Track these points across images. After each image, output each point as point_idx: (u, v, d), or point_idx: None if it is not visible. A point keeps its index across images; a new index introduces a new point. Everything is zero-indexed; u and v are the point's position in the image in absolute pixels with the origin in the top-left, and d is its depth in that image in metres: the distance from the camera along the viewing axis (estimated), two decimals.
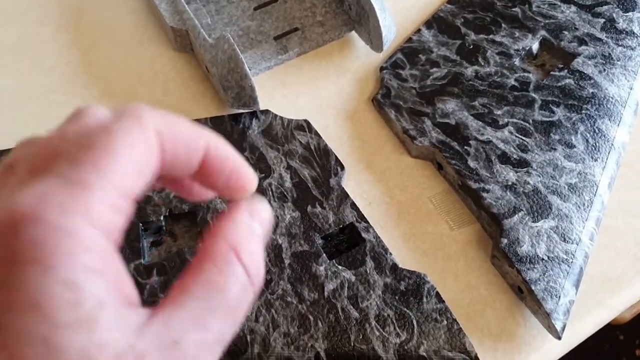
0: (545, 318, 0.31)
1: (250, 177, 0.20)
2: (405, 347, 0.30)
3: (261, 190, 0.35)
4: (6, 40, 0.41)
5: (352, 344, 0.30)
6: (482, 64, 0.39)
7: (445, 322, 0.31)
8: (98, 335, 0.15)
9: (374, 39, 0.39)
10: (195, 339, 0.16)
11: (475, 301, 0.33)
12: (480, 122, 0.37)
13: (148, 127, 0.18)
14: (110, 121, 0.18)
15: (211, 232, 0.19)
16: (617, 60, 0.39)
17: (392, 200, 0.36)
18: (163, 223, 0.34)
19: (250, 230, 0.19)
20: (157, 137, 0.18)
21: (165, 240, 0.34)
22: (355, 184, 0.36)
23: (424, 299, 0.32)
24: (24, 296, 0.14)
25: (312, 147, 0.36)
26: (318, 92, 0.40)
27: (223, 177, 0.20)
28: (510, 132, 0.36)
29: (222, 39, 0.36)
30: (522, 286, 0.32)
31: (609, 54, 0.39)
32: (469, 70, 0.39)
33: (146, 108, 0.18)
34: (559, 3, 0.42)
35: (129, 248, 0.32)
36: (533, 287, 0.32)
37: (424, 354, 0.30)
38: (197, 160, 0.19)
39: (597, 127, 0.36)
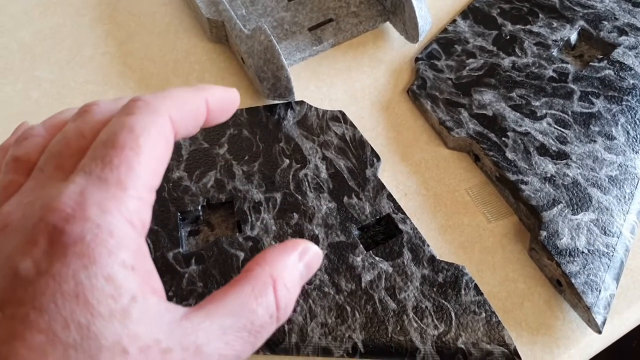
0: (585, 312, 0.31)
1: (236, 100, 0.23)
2: (443, 339, 0.30)
3: (297, 181, 0.35)
4: (44, 30, 0.42)
5: (390, 335, 0.30)
6: (520, 54, 0.39)
7: (483, 314, 0.31)
8: (130, 327, 0.16)
9: (410, 30, 0.39)
10: (216, 349, 0.18)
11: (513, 294, 0.33)
12: (518, 114, 0.36)
13: (164, 120, 0.19)
14: (128, 116, 0.19)
15: (260, 256, 0.20)
16: None
17: (428, 192, 0.36)
18: (200, 213, 0.34)
19: (294, 269, 0.21)
20: (171, 126, 0.20)
21: (203, 229, 0.34)
22: (391, 175, 0.36)
23: (462, 291, 0.31)
24: (68, 286, 0.15)
25: (348, 138, 0.36)
26: (352, 83, 0.40)
27: (221, 116, 0.22)
28: (549, 124, 0.36)
29: (259, 30, 0.36)
30: (561, 279, 0.32)
31: None
32: (506, 61, 0.39)
33: (156, 97, 0.20)
34: None
35: (168, 237, 0.33)
36: (573, 281, 0.31)
37: (462, 346, 0.30)
38: (204, 118, 0.21)
39: (638, 119, 0.36)
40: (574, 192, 0.34)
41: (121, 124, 0.18)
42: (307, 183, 0.35)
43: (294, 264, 0.21)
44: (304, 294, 0.31)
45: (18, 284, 0.15)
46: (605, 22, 0.40)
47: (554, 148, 0.35)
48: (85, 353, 0.15)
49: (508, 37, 0.40)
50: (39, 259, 0.16)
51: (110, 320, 0.16)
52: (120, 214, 0.17)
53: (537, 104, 0.37)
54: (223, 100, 0.22)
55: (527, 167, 0.34)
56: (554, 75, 0.38)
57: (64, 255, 0.16)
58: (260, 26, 0.36)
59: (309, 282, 0.31)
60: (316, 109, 0.38)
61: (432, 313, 0.31)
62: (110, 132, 0.18)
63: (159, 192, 0.34)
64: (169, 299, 0.31)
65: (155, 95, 0.20)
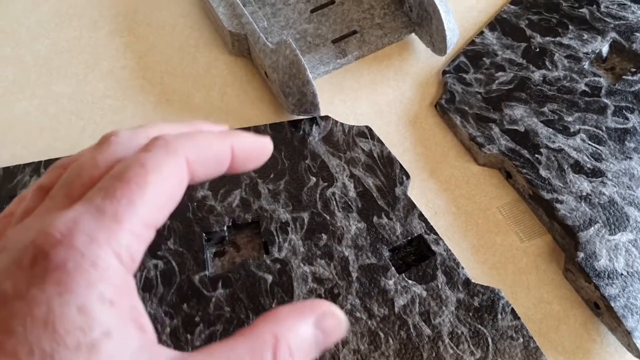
0: (625, 336, 0.30)
1: (267, 149, 0.22)
2: None
3: (325, 200, 0.34)
4: (60, 43, 0.41)
5: None
6: (550, 67, 0.38)
7: (521, 339, 0.30)
8: None
9: (437, 42, 0.38)
10: None
11: (548, 316, 0.32)
12: (551, 129, 0.35)
13: (179, 159, 0.19)
14: (143, 153, 0.18)
15: (270, 312, 0.19)
16: None
17: (459, 210, 0.35)
18: (226, 233, 0.33)
19: (306, 333, 0.18)
20: (187, 167, 0.19)
21: (228, 250, 0.33)
22: (420, 192, 0.35)
23: (499, 316, 0.30)
24: (39, 312, 0.15)
25: (375, 155, 0.35)
26: (378, 96, 0.39)
27: (249, 164, 0.22)
28: (583, 140, 0.35)
29: (284, 43, 0.35)
30: (599, 302, 0.31)
31: None
32: (537, 75, 0.38)
33: (177, 138, 0.19)
34: (629, 3, 0.40)
35: (193, 259, 0.32)
36: (612, 304, 0.30)
37: None
38: (227, 164, 0.21)
39: None
40: (611, 211, 0.33)
41: (135, 159, 0.18)
42: (335, 202, 0.34)
43: (307, 327, 0.19)
44: None
45: None
46: (638, 34, 0.39)
47: (588, 165, 0.34)
48: None
49: (538, 49, 0.39)
50: (19, 281, 0.15)
51: (76, 353, 0.15)
52: (109, 247, 0.16)
53: (570, 119, 0.36)
54: (252, 148, 0.22)
55: (562, 185, 0.33)
56: (586, 89, 0.37)
57: (42, 280, 0.15)
58: (285, 40, 0.35)
59: (341, 307, 0.30)
60: (342, 124, 0.37)
61: (469, 339, 0.30)
62: (123, 165, 0.18)
63: (184, 212, 0.33)
64: (196, 324, 0.30)
65: (178, 135, 0.19)
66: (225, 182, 0.34)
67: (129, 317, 0.16)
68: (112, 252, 0.16)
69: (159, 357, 0.17)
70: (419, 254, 0.33)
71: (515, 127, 0.35)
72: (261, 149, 0.22)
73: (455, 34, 0.38)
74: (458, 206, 0.35)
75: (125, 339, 0.16)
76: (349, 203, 0.34)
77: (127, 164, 0.18)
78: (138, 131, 0.21)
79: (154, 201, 0.18)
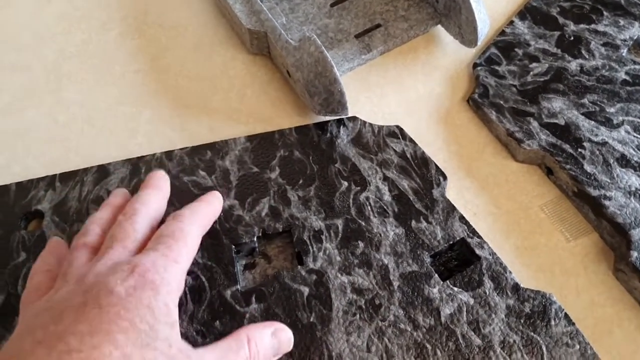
0: None
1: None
2: None
3: (358, 205, 0.32)
4: (69, 48, 0.39)
5: None
6: (587, 56, 0.36)
7: (577, 346, 0.28)
8: (173, 334, 0.25)
9: (467, 34, 0.36)
10: None
11: (601, 320, 0.30)
12: (593, 122, 0.33)
13: (198, 227, 0.29)
14: (178, 223, 0.28)
15: (244, 326, 0.27)
16: None
17: (499, 210, 0.33)
18: (256, 244, 0.31)
19: (267, 337, 0.27)
20: (201, 230, 0.30)
21: (259, 262, 0.31)
22: (457, 193, 0.33)
23: (552, 322, 0.29)
24: (144, 302, 0.24)
25: (409, 156, 0.33)
26: (406, 93, 0.37)
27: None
28: (627, 132, 0.33)
29: (308, 40, 0.33)
30: None
31: None
32: (573, 65, 0.36)
33: (191, 214, 0.29)
34: None
35: (224, 273, 0.30)
36: None
37: None
38: (214, 218, 0.32)
39: None
40: None
41: (175, 226, 0.28)
42: (369, 207, 0.32)
43: (267, 334, 0.27)
44: (379, 331, 0.28)
45: (112, 296, 0.24)
46: None
47: (635, 158, 0.32)
48: (149, 338, 0.23)
49: (572, 38, 0.37)
50: (128, 287, 0.24)
51: (165, 326, 0.24)
52: (174, 275, 0.26)
53: (612, 110, 0.34)
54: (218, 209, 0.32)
55: (609, 180, 0.32)
56: (627, 78, 0.35)
57: (143, 288, 0.25)
58: (309, 36, 0.33)
59: (383, 319, 0.28)
60: (371, 124, 0.35)
61: (521, 347, 0.28)
62: (170, 229, 0.28)
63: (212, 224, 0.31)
64: None
65: (191, 211, 0.29)
66: (252, 190, 0.32)
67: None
68: (174, 278, 0.26)
69: (182, 343, 0.25)
70: (461, 259, 0.31)
71: (555, 121, 0.34)
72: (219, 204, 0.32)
73: (486, 24, 0.36)
74: (498, 206, 0.33)
75: (177, 328, 0.25)
76: (385, 207, 0.32)
77: (172, 229, 0.28)
78: (144, 202, 0.30)
79: (191, 251, 0.28)
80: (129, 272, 0.25)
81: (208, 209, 0.31)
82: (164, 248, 0.27)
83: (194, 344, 0.28)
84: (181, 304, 0.29)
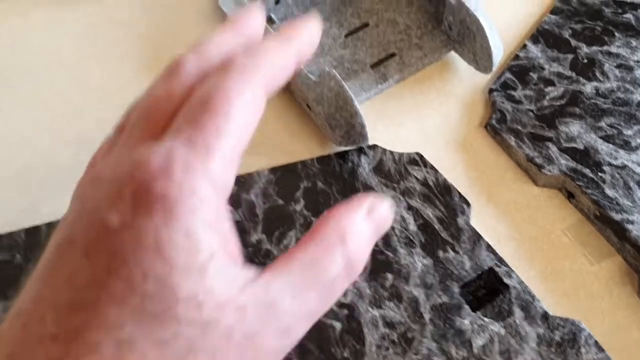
0: None
1: (318, 34, 0.22)
2: None
3: (385, 236, 0.32)
4: (88, 82, 0.39)
5: None
6: (601, 79, 0.36)
7: None
8: (207, 283, 0.16)
9: (481, 60, 0.37)
10: (289, 305, 0.17)
11: (629, 345, 0.31)
12: (611, 145, 0.34)
13: (258, 86, 0.19)
14: (223, 79, 0.18)
15: (326, 215, 0.20)
16: None
17: (522, 236, 0.33)
18: None
19: (363, 226, 0.20)
20: (264, 92, 0.19)
21: None
22: (479, 220, 0.34)
23: (582, 349, 0.29)
24: (149, 239, 0.16)
25: (431, 183, 0.34)
26: (423, 120, 0.37)
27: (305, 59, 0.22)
28: None
29: (328, 74, 0.33)
30: None
31: None
32: (588, 87, 0.36)
33: (251, 60, 0.19)
34: None
35: None
36: None
37: None
38: (290, 76, 0.21)
39: None
40: None
41: (216, 87, 0.18)
42: (395, 237, 0.32)
43: (362, 221, 0.20)
44: None
45: (103, 233, 0.16)
46: None
47: None
48: (160, 303, 0.16)
49: (586, 60, 0.37)
50: (124, 212, 0.16)
51: (188, 274, 0.16)
52: (205, 175, 0.17)
53: (630, 132, 0.34)
54: (309, 44, 0.22)
55: (631, 204, 0.32)
56: None
57: (147, 211, 0.16)
58: (329, 71, 0.33)
59: (416, 352, 0.29)
60: (391, 152, 0.35)
61: None
62: (205, 95, 0.18)
63: None
64: None
65: (250, 55, 0.20)
66: (279, 224, 0.33)
67: (224, 242, 0.17)
68: (206, 179, 0.17)
69: (249, 273, 0.18)
70: (489, 288, 0.31)
71: (574, 145, 0.34)
72: (314, 37, 0.22)
73: (500, 50, 0.36)
74: (520, 232, 0.33)
75: (225, 260, 0.17)
76: (411, 238, 0.32)
77: (209, 93, 0.18)
78: (202, 54, 0.20)
79: (240, 128, 0.18)
80: (125, 181, 0.16)
81: (283, 51, 0.20)
82: (190, 129, 0.17)
83: None
84: None
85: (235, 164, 0.18)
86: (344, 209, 0.20)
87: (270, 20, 0.40)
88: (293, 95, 0.38)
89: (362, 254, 0.19)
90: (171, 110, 0.19)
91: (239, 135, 0.18)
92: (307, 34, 0.22)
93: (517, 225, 0.34)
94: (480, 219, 0.34)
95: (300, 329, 0.18)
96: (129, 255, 0.16)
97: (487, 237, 0.33)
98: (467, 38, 0.37)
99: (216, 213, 0.17)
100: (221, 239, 0.17)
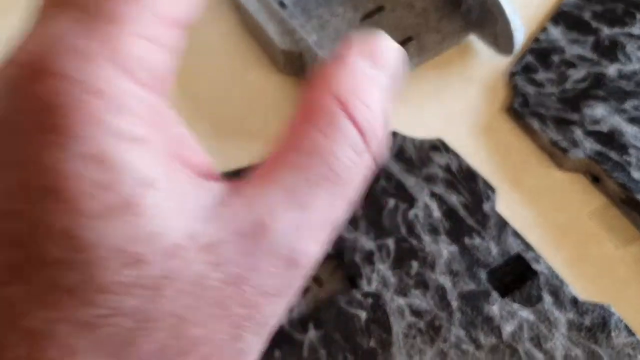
0: None
1: None
2: None
3: (408, 223, 0.31)
4: None
5: None
6: (624, 61, 0.36)
7: (639, 356, 0.28)
8: (142, 226, 0.11)
9: (502, 43, 0.36)
10: (290, 219, 0.13)
11: None
12: (636, 127, 0.33)
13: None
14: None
15: (317, 80, 0.14)
16: None
17: (547, 221, 0.33)
18: None
19: (365, 75, 0.14)
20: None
21: (311, 286, 0.31)
22: (504, 206, 0.33)
23: (613, 333, 0.28)
24: (41, 179, 0.11)
25: (454, 169, 0.33)
26: (444, 105, 0.37)
27: None
28: None
29: None
30: None
31: None
32: (611, 70, 0.35)
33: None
34: None
35: None
36: None
37: None
38: None
39: None
40: None
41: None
42: (419, 225, 0.32)
43: (364, 71, 0.14)
44: (440, 354, 0.28)
45: None
46: None
47: None
48: (76, 272, 0.10)
49: (607, 42, 0.36)
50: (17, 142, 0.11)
51: (109, 220, 0.11)
52: (112, 61, 0.11)
53: None
54: None
55: None
56: None
57: (32, 132, 0.11)
58: None
59: (444, 340, 0.28)
60: (412, 139, 0.35)
61: None
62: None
63: None
64: None
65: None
66: None
67: (171, 152, 0.13)
68: (116, 67, 0.11)
69: (221, 189, 0.13)
70: (517, 274, 0.31)
71: (598, 128, 0.33)
72: None
73: (521, 32, 0.36)
74: (545, 217, 0.33)
75: (172, 181, 0.12)
76: (435, 225, 0.31)
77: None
78: None
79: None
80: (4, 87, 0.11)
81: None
82: (86, 9, 0.12)
83: None
84: None
85: (169, 39, 0.13)
86: (336, 66, 0.15)
87: (282, 5, 0.39)
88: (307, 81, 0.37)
89: (377, 120, 0.14)
90: None
91: None
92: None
93: (542, 211, 0.33)
94: (506, 204, 0.33)
95: (316, 244, 0.13)
96: (22, 206, 0.11)
97: (512, 222, 0.32)
98: (488, 21, 0.36)
99: (145, 116, 0.12)
100: (160, 153, 0.12)
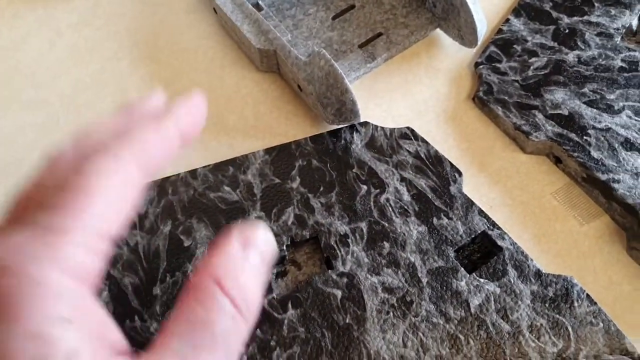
0: None
1: (202, 109, 0.22)
2: (564, 355, 0.29)
3: (380, 207, 0.33)
4: (83, 79, 0.40)
5: (509, 359, 0.29)
6: (583, 47, 0.37)
7: (601, 324, 0.30)
8: None
9: (466, 35, 0.38)
10: None
11: (620, 298, 0.32)
12: (595, 109, 0.35)
13: (125, 163, 0.18)
14: (87, 162, 0.17)
15: (198, 267, 0.18)
16: None
17: (514, 201, 0.34)
18: (285, 252, 0.32)
19: (238, 260, 0.18)
20: (135, 169, 0.18)
21: (290, 269, 0.33)
22: (472, 188, 0.35)
23: (575, 303, 0.30)
24: None
25: (423, 155, 0.35)
26: (413, 96, 0.38)
27: (194, 130, 0.22)
28: (629, 117, 0.35)
29: (317, 54, 0.34)
30: None
31: None
32: (571, 56, 0.37)
33: (119, 145, 0.18)
34: None
35: None
36: None
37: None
38: (177, 147, 0.21)
39: None
40: None
41: (77, 169, 0.17)
42: (390, 208, 0.33)
43: (237, 256, 0.18)
44: (412, 327, 0.29)
45: None
46: None
47: (639, 141, 0.34)
48: None
49: (567, 30, 0.38)
50: None
51: None
52: (56, 263, 0.15)
53: (612, 97, 0.35)
54: (192, 116, 0.22)
55: (616, 164, 0.33)
56: (624, 65, 0.36)
57: None
58: (319, 51, 0.34)
59: (415, 315, 0.30)
60: (382, 128, 0.36)
61: (549, 330, 0.29)
62: (61, 177, 0.17)
63: None
64: (272, 348, 0.29)
65: (122, 142, 0.19)
66: (277, 201, 0.34)
67: (95, 335, 0.15)
68: (55, 266, 0.15)
69: None
70: (483, 251, 0.32)
71: (559, 112, 0.35)
72: (198, 110, 0.22)
73: (484, 24, 0.37)
74: (512, 197, 0.35)
75: (94, 355, 0.15)
76: (405, 207, 0.33)
77: (66, 175, 0.17)
78: (81, 142, 0.19)
79: (98, 207, 0.16)
80: None
81: (156, 132, 0.19)
82: (42, 212, 0.16)
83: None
84: None
85: (100, 247, 0.16)
86: (214, 252, 0.18)
87: (257, 7, 0.41)
88: (285, 77, 0.39)
89: (248, 292, 0.18)
90: (38, 198, 0.17)
91: (102, 214, 0.16)
92: (186, 108, 0.21)
93: (509, 192, 0.35)
94: (473, 187, 0.35)
95: None
96: None
97: (480, 204, 0.34)
98: (452, 14, 0.38)
99: (75, 303, 0.15)
100: (86, 333, 0.15)
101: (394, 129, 0.36)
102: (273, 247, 0.20)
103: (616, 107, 0.35)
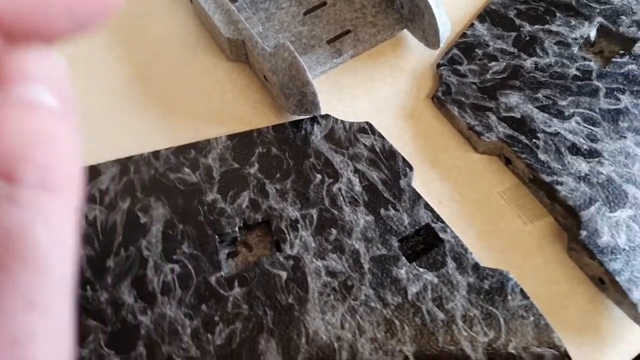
0: (631, 308, 0.31)
1: None
2: (494, 346, 0.30)
3: (332, 196, 0.34)
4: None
5: (441, 346, 0.30)
6: (541, 55, 0.39)
7: (532, 318, 0.31)
8: None
9: (430, 37, 0.39)
10: None
11: (556, 295, 0.33)
12: (546, 114, 0.36)
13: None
14: None
15: None
16: None
17: (463, 198, 0.36)
18: (238, 234, 0.34)
19: (31, 105, 0.12)
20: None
21: (241, 250, 0.34)
22: (423, 183, 0.36)
23: (509, 297, 0.31)
24: None
25: (378, 149, 0.36)
26: (375, 93, 0.40)
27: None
28: (578, 123, 0.36)
29: (282, 46, 0.36)
30: (604, 277, 0.32)
31: None
32: (528, 62, 0.39)
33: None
34: None
35: (208, 261, 0.32)
36: (617, 278, 0.31)
37: (513, 351, 0.30)
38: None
39: None
40: (609, 189, 0.34)
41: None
42: (341, 197, 0.34)
43: (30, 99, 0.12)
44: (351, 310, 0.31)
45: None
46: (624, 17, 0.40)
47: (585, 147, 0.35)
48: None
49: (528, 37, 0.40)
50: None
51: None
52: None
53: (564, 103, 0.37)
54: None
55: (561, 167, 0.34)
56: (578, 73, 0.38)
57: None
58: (284, 43, 0.36)
59: (355, 298, 0.31)
60: (342, 121, 0.38)
61: (481, 320, 0.31)
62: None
63: (195, 216, 0.34)
64: (215, 323, 0.30)
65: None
66: (234, 185, 0.35)
67: None
68: None
69: None
70: (427, 243, 0.34)
71: (512, 114, 0.36)
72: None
73: (447, 27, 0.39)
74: (462, 194, 0.36)
75: None
76: (356, 197, 0.34)
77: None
78: None
79: None
80: None
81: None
82: None
83: (182, 327, 0.31)
84: (170, 290, 0.31)
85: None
86: None
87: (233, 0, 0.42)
88: (252, 67, 0.40)
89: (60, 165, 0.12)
90: None
91: None
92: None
93: (459, 189, 0.36)
94: (424, 182, 0.36)
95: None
96: None
97: (430, 199, 0.35)
98: (417, 16, 0.39)
99: None
100: None
101: (354, 122, 0.38)
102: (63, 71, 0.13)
103: (567, 113, 0.36)
